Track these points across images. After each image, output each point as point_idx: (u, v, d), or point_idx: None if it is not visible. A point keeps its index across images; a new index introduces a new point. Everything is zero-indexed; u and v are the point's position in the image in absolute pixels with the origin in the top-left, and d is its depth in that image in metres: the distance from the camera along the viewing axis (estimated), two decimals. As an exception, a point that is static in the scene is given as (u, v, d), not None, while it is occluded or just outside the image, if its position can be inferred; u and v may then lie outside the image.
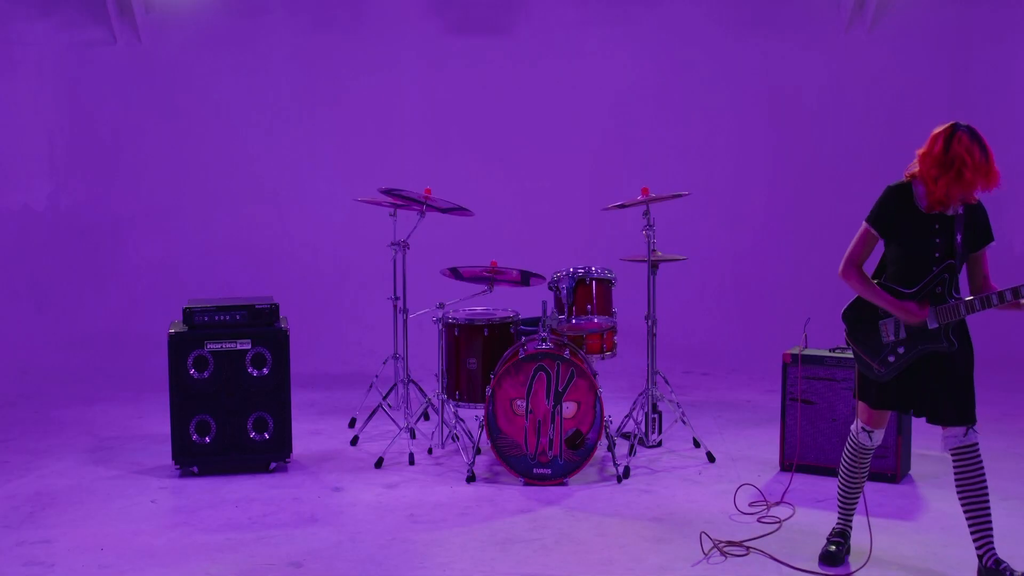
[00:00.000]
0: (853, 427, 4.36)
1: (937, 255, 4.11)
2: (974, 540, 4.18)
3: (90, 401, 7.47)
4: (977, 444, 4.12)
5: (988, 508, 4.14)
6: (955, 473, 4.15)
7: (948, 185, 3.98)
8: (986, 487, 4.13)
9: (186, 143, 8.86)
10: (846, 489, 4.45)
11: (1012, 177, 8.98)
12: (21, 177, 8.76)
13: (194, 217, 8.87)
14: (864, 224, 4.22)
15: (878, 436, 4.32)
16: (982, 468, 4.12)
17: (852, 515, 4.50)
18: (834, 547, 4.44)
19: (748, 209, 8.97)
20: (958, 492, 4.16)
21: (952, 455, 4.15)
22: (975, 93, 8.78)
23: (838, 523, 4.52)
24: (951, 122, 4.04)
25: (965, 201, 4.09)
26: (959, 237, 4.10)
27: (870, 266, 4.31)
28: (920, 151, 4.09)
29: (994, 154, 4.00)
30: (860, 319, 4.26)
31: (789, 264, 8.92)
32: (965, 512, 4.17)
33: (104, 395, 7.62)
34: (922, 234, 4.11)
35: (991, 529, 4.16)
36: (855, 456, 4.37)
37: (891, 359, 4.17)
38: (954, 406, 4.12)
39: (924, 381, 4.16)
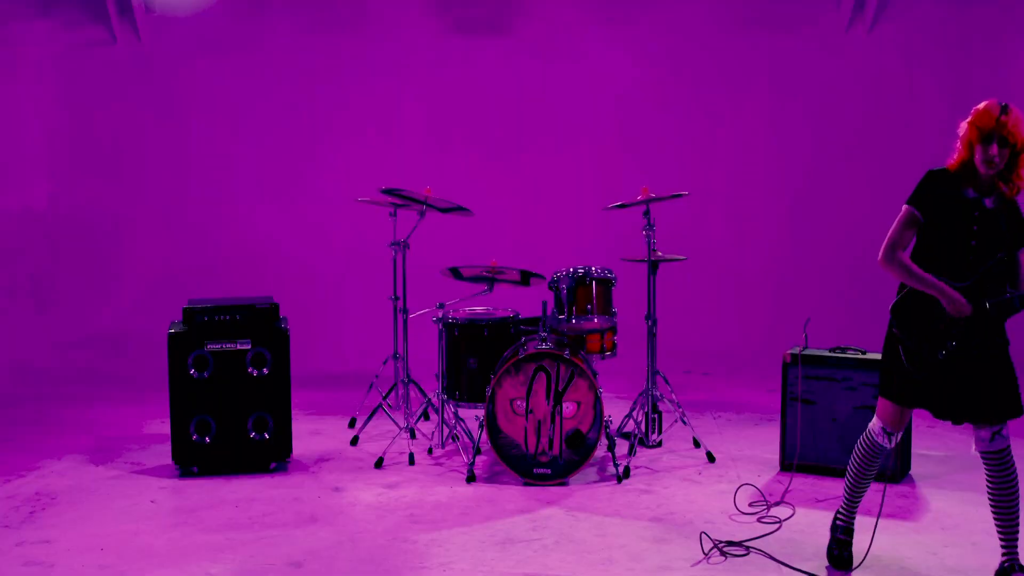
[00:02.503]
0: (872, 426, 4.25)
1: (973, 243, 3.99)
2: (1000, 542, 4.16)
3: (90, 401, 7.46)
4: (1006, 448, 4.05)
5: (1014, 512, 4.10)
6: (985, 475, 4.12)
7: (962, 141, 3.98)
8: (1015, 491, 4.07)
9: (186, 143, 8.86)
10: (855, 487, 4.37)
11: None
12: (21, 177, 8.76)
13: (194, 217, 8.87)
14: (905, 207, 4.07)
15: (898, 438, 4.23)
16: (1011, 471, 4.07)
17: (855, 510, 4.44)
18: (838, 550, 4.40)
19: (748, 209, 8.97)
20: (988, 494, 4.13)
21: (982, 457, 4.11)
22: (975, 93, 8.72)
23: (842, 519, 4.43)
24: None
25: (988, 169, 3.95)
26: (1003, 227, 3.99)
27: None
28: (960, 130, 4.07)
29: (1017, 115, 3.95)
30: (911, 311, 4.08)
31: (789, 264, 8.92)
32: (993, 515, 4.14)
33: (104, 395, 7.62)
34: (961, 219, 4.00)
35: (1017, 535, 4.14)
36: (869, 456, 4.29)
37: (942, 354, 4.02)
38: (994, 401, 4.03)
39: (957, 380, 4.05)
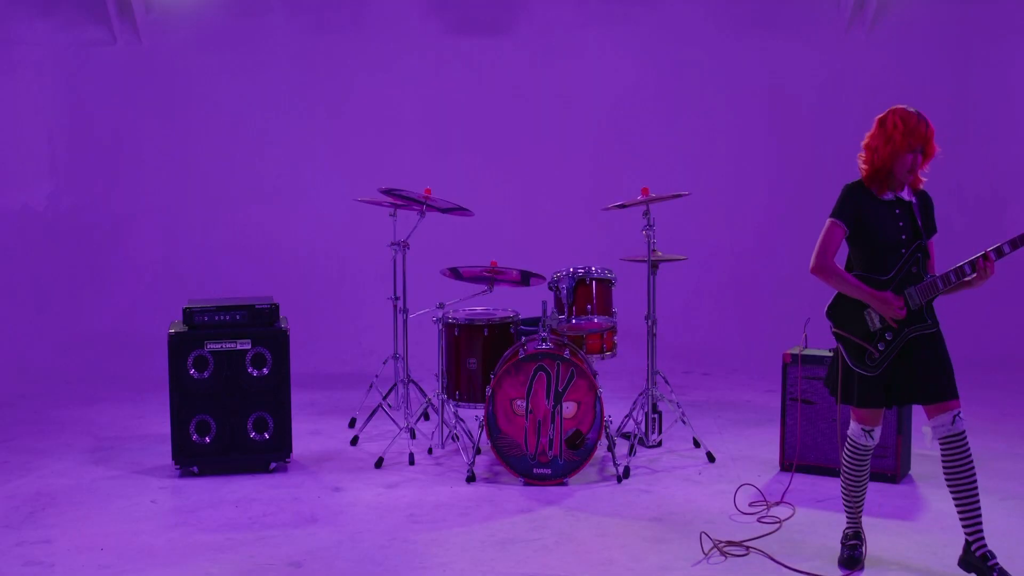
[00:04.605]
0: (851, 430, 4.35)
1: (904, 237, 4.22)
2: (964, 529, 4.21)
3: (90, 401, 7.47)
4: (964, 432, 4.14)
5: (977, 497, 4.16)
6: (943, 462, 4.18)
7: (886, 153, 4.16)
8: (975, 476, 4.15)
9: (186, 143, 8.86)
10: (850, 491, 4.43)
11: (1012, 178, 9.02)
12: (21, 177, 8.76)
13: (194, 217, 8.87)
14: (829, 220, 4.30)
15: (877, 434, 4.32)
16: (970, 456, 4.14)
17: (860, 516, 4.48)
18: (849, 552, 4.42)
19: (748, 209, 8.97)
20: (947, 481, 4.18)
21: (941, 444, 4.17)
22: (975, 93, 8.79)
23: (849, 526, 4.49)
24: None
25: (909, 175, 4.22)
26: (919, 221, 4.24)
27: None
28: (864, 141, 4.29)
29: (933, 127, 4.16)
30: (844, 311, 4.30)
31: (789, 264, 8.90)
32: (955, 502, 4.20)
33: (104, 395, 7.63)
34: (886, 218, 4.23)
35: (980, 519, 4.19)
36: (855, 457, 4.36)
37: (881, 346, 4.20)
38: (939, 384, 4.15)
39: (905, 369, 4.20)
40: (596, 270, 5.91)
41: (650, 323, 6.08)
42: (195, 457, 5.70)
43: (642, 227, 5.98)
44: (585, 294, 5.86)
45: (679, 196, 6.04)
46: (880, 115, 4.24)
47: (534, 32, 8.91)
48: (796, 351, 5.69)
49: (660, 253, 6.11)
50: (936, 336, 4.23)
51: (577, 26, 8.91)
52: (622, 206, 6.10)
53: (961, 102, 8.78)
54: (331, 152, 8.95)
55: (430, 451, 6.09)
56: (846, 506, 4.48)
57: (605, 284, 5.94)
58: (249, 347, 5.72)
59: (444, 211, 6.37)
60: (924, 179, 4.30)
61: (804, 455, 5.62)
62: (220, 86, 8.85)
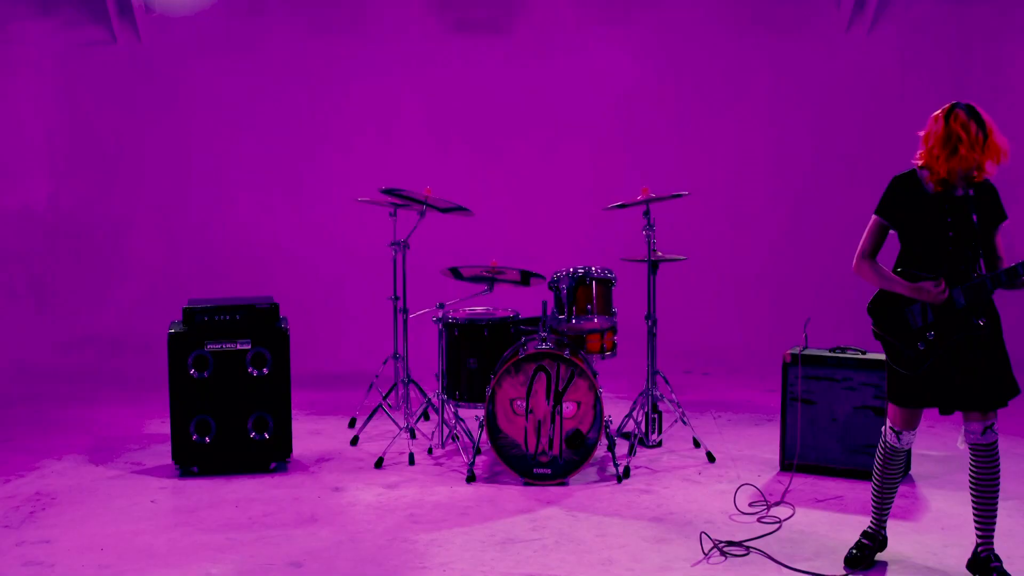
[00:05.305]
0: (884, 427, 4.33)
1: (951, 235, 4.08)
2: (976, 533, 4.22)
3: (90, 401, 7.46)
4: (994, 444, 4.12)
5: (995, 507, 4.16)
6: (970, 467, 4.18)
7: (947, 162, 4.00)
8: (997, 486, 4.14)
9: (186, 143, 8.87)
10: (878, 492, 4.41)
11: (1012, 178, 8.99)
12: (21, 177, 8.76)
13: (194, 217, 8.87)
14: (873, 216, 4.21)
15: (907, 438, 4.27)
16: (997, 468, 4.13)
17: (885, 519, 4.45)
18: (856, 551, 4.41)
19: (748, 209, 8.98)
20: (970, 485, 4.18)
21: (970, 450, 4.17)
22: (975, 93, 8.72)
23: (869, 526, 4.47)
24: (952, 102, 4.08)
25: (971, 179, 4.07)
26: (974, 217, 4.08)
27: (888, 259, 4.29)
28: (922, 133, 4.13)
29: (996, 128, 4.01)
30: (885, 309, 4.22)
31: (789, 264, 8.92)
32: (973, 506, 4.20)
33: (104, 395, 7.62)
34: (933, 217, 4.10)
35: (993, 527, 4.19)
36: (885, 458, 4.33)
37: (921, 346, 4.13)
38: (978, 392, 4.08)
39: (954, 372, 4.11)
40: (596, 270, 5.91)
41: (650, 323, 6.08)
42: (195, 457, 5.70)
43: (642, 227, 5.98)
44: (585, 294, 5.85)
45: (679, 196, 6.03)
46: (941, 111, 4.06)
47: (534, 32, 8.91)
48: (796, 351, 5.69)
49: (660, 253, 6.11)
50: (987, 338, 4.09)
51: (577, 26, 8.92)
52: (622, 206, 6.10)
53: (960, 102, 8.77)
54: (331, 152, 8.95)
55: (430, 451, 6.09)
56: (872, 507, 4.45)
57: (605, 284, 5.94)
58: (249, 347, 5.72)
59: (444, 211, 6.36)
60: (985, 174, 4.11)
61: (804, 455, 5.62)
62: (220, 86, 8.85)
